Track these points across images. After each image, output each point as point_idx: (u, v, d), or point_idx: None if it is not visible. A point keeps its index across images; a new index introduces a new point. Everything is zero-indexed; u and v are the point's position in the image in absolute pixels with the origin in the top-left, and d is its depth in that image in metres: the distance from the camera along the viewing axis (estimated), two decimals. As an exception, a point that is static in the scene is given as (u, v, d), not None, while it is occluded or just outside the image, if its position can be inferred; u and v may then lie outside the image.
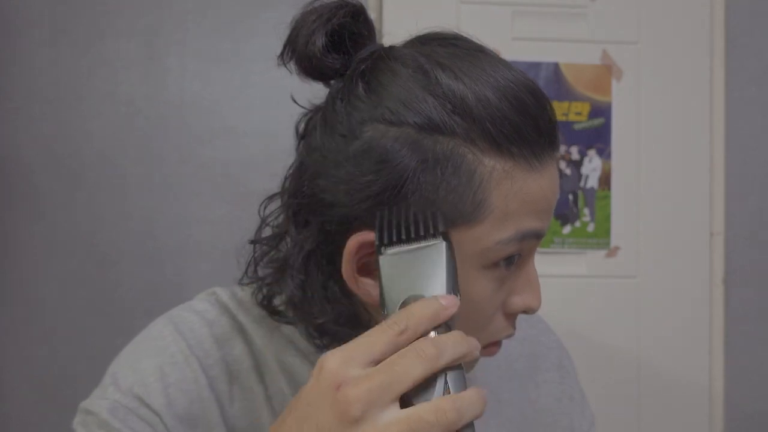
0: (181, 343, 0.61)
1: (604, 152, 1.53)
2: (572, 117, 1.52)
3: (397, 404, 0.43)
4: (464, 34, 0.58)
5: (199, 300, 0.66)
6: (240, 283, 0.64)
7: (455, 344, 0.45)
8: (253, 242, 0.63)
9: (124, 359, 0.62)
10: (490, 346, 0.58)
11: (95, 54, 1.47)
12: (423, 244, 0.50)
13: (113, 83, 1.47)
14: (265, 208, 0.63)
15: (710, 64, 1.55)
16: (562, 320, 1.51)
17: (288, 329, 0.62)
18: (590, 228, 1.53)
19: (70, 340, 1.44)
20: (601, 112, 1.53)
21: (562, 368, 0.75)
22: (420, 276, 0.48)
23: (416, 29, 0.59)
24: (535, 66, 1.51)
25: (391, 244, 0.50)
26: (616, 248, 1.53)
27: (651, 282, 1.54)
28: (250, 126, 1.49)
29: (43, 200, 1.45)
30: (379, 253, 0.50)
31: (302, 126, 0.60)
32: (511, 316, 0.58)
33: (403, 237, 0.50)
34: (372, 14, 1.49)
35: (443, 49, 0.55)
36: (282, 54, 0.56)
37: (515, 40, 1.51)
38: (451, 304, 0.47)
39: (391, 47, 0.57)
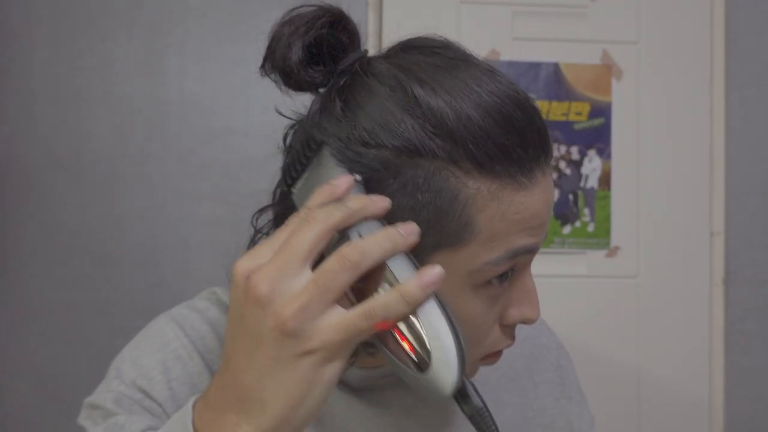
0: (183, 339, 0.61)
1: (604, 152, 1.53)
2: (572, 117, 1.52)
3: (307, 270, 0.43)
4: (453, 40, 0.55)
5: (199, 299, 0.66)
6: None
7: (347, 203, 0.45)
8: None
9: (127, 355, 0.62)
10: (490, 356, 0.58)
11: (95, 54, 1.47)
12: (312, 163, 0.51)
13: (113, 83, 1.47)
14: (257, 220, 0.62)
15: (710, 64, 1.55)
16: (562, 320, 1.51)
17: None
18: (590, 228, 1.53)
19: (70, 340, 1.44)
20: (601, 112, 1.53)
21: (561, 368, 0.75)
22: (324, 180, 0.49)
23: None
24: (535, 66, 1.51)
25: (293, 182, 0.52)
26: (616, 248, 1.53)
27: (651, 282, 1.54)
28: (250, 126, 1.49)
29: (43, 200, 1.45)
30: (292, 195, 0.52)
31: (288, 138, 0.58)
32: (508, 328, 0.57)
33: (298, 168, 0.52)
34: (372, 14, 1.49)
35: (425, 59, 0.53)
36: (263, 66, 0.54)
37: (515, 40, 1.51)
38: (341, 181, 0.47)
39: (370, 60, 0.54)
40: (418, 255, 0.49)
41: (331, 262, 0.43)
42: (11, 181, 1.45)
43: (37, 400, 1.43)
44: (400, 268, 0.45)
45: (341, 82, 0.53)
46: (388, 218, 0.49)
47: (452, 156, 0.49)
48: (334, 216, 0.44)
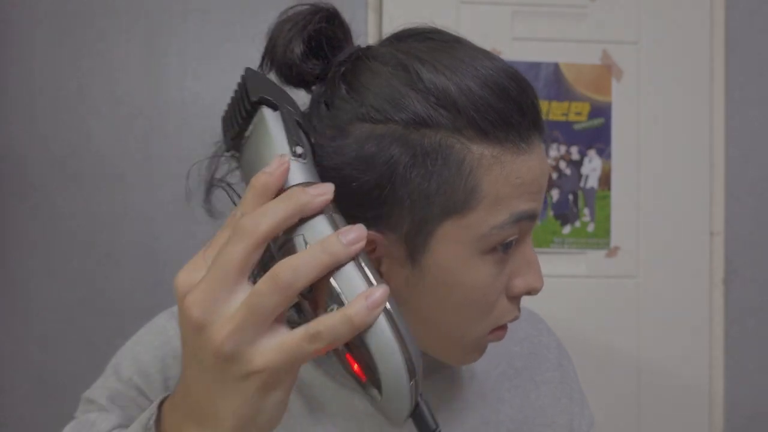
0: None
1: (604, 152, 1.53)
2: (572, 117, 1.52)
3: (242, 288, 0.40)
4: (441, 27, 0.58)
5: (200, 298, 0.66)
6: None
7: (276, 206, 0.40)
8: None
9: (128, 351, 0.63)
10: (497, 330, 0.59)
11: (95, 54, 1.47)
12: (253, 120, 0.46)
13: (113, 83, 1.47)
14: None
15: (710, 64, 1.55)
16: (562, 320, 1.51)
17: None
18: (590, 228, 1.53)
19: (70, 340, 1.44)
20: (601, 112, 1.53)
21: (561, 368, 0.75)
22: (261, 153, 0.44)
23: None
24: (535, 66, 1.51)
25: (237, 138, 0.48)
26: (616, 248, 1.53)
27: (651, 282, 1.54)
28: (250, 126, 1.49)
29: (43, 200, 1.45)
30: (237, 149, 0.48)
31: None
32: (514, 299, 0.58)
33: (239, 121, 0.47)
34: (372, 14, 1.49)
35: (420, 44, 0.56)
36: (261, 64, 0.57)
37: (515, 40, 1.51)
38: (275, 166, 0.42)
39: (369, 47, 0.57)
40: (427, 226, 0.51)
41: (262, 283, 0.39)
42: (11, 181, 1.45)
43: (37, 400, 1.43)
44: (346, 283, 0.40)
45: (343, 69, 0.55)
46: (409, 194, 0.50)
47: (456, 124, 0.52)
48: (262, 227, 0.40)
